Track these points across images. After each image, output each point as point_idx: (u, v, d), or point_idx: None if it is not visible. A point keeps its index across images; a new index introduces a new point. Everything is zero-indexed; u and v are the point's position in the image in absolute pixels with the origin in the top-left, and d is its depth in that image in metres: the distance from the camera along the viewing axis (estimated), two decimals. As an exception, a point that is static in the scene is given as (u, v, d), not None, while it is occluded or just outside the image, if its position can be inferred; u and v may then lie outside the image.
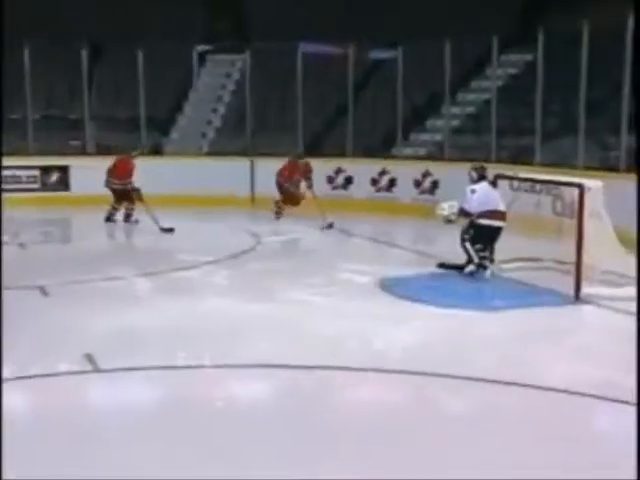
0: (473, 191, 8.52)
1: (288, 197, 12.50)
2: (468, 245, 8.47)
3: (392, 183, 13.76)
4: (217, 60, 16.93)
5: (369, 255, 10.28)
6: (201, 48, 16.03)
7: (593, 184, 7.94)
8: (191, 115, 16.43)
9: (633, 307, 7.20)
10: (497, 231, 8.50)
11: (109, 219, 12.29)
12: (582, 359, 6.07)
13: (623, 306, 7.33)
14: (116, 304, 7.38)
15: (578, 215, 7.80)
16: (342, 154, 14.61)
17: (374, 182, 13.91)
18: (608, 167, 11.15)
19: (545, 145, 12.21)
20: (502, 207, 8.48)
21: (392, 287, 8.25)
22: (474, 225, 8.50)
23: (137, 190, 11.86)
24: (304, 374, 5.63)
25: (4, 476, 3.90)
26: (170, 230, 11.27)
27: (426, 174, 13.31)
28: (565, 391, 5.26)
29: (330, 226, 11.63)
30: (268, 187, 12.83)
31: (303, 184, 12.51)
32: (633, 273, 7.88)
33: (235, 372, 5.65)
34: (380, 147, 14.88)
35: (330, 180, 14.21)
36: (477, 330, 6.85)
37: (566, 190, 8.32)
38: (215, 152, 15.30)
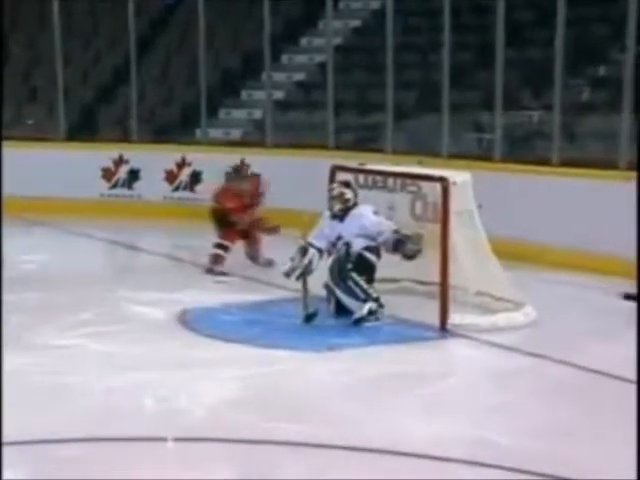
0: (376, 212, 8.66)
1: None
2: (357, 277, 8.47)
3: (196, 178, 13.84)
4: None
5: (166, 279, 10.31)
6: None
7: (460, 177, 8.37)
8: None
9: (510, 340, 7.74)
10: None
11: None
12: (446, 413, 6.37)
13: (499, 339, 7.82)
14: None
15: (442, 219, 8.20)
16: (124, 138, 14.59)
17: (170, 177, 13.96)
18: (479, 155, 11.75)
19: (399, 125, 12.63)
20: None
21: (197, 322, 8.37)
22: (356, 253, 8.53)
23: None
24: (62, 450, 5.59)
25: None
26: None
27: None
28: (424, 456, 5.49)
29: None
30: None
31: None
32: (510, 295, 8.39)
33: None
34: (178, 128, 14.92)
35: (107, 175, 14.16)
36: (309, 377, 7.09)
37: (427, 186, 8.71)
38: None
